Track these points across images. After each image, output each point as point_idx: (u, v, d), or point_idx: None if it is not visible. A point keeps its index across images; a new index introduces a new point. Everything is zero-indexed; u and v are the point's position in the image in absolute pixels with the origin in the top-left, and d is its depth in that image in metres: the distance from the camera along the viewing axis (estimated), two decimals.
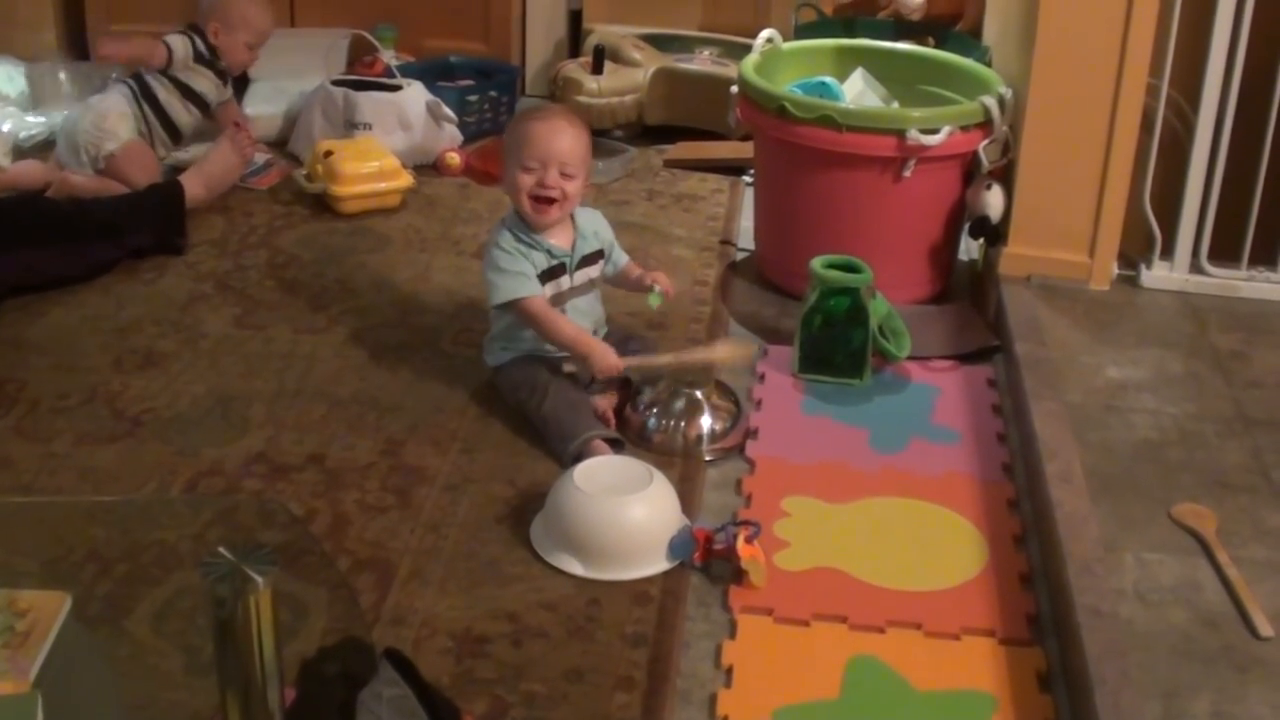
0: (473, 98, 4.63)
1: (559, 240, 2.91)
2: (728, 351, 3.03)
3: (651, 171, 4.41)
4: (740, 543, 2.38)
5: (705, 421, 2.84)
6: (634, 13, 5.04)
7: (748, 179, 4.21)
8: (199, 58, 4.06)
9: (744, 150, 4.16)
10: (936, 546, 2.53)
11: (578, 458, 2.68)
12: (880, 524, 2.61)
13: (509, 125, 3.00)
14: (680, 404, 2.85)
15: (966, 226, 3.46)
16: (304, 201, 4.01)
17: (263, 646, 1.73)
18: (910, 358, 3.12)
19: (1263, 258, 3.38)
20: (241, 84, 4.44)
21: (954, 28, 4.32)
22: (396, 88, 4.38)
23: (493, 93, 4.69)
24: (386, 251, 3.74)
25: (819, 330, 3.09)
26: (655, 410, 2.85)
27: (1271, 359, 3.10)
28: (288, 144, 4.46)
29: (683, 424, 2.83)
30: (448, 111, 4.36)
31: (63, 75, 4.67)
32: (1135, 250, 3.43)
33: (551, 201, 2.84)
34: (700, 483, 2.73)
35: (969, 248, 3.63)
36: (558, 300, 2.91)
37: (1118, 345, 3.13)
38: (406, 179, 4.05)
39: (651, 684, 2.17)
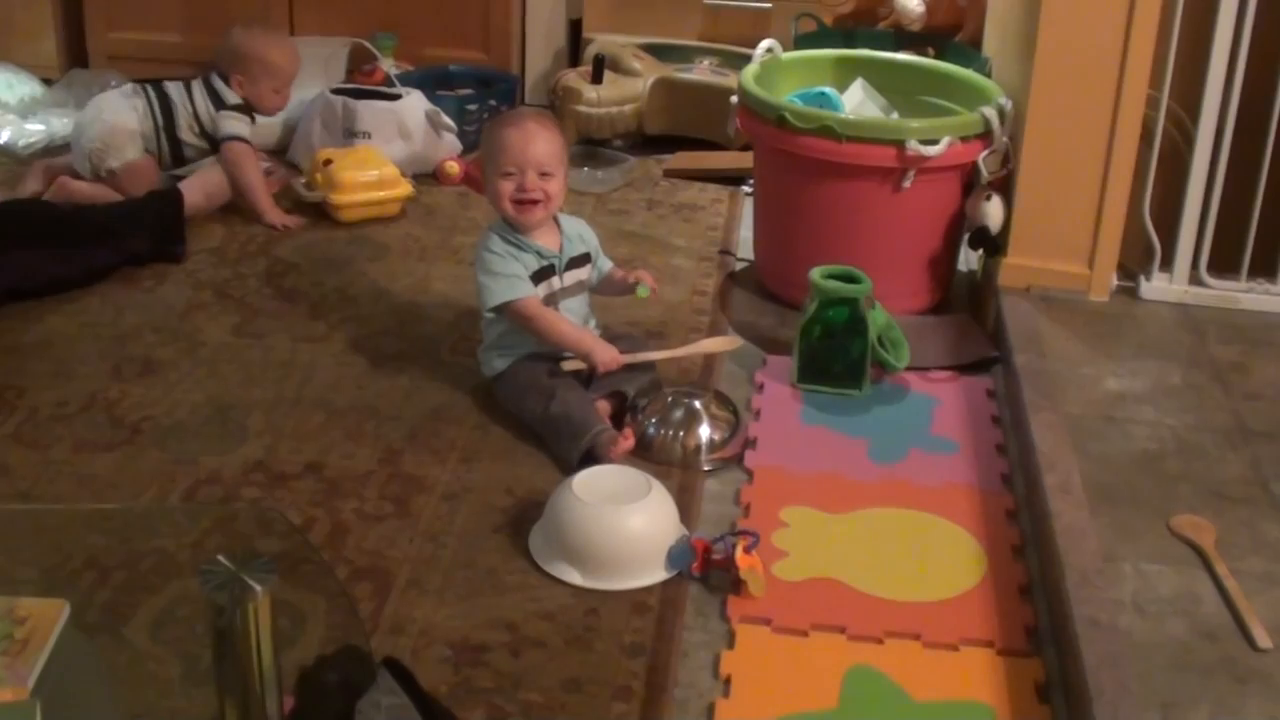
0: (472, 107, 4.63)
1: (547, 242, 2.94)
2: (714, 344, 3.08)
3: (651, 181, 4.41)
4: (739, 553, 2.38)
5: (704, 431, 2.83)
6: (634, 22, 5.04)
7: (747, 189, 4.21)
8: (226, 105, 3.99)
9: (743, 160, 4.16)
10: (935, 557, 2.53)
11: (588, 453, 2.70)
12: (879, 534, 2.60)
13: (484, 134, 3.04)
14: (679, 414, 2.85)
15: (966, 237, 3.46)
16: (303, 210, 4.01)
17: (261, 655, 1.74)
18: (909, 368, 3.12)
19: (1262, 269, 3.38)
20: None
21: (954, 38, 4.33)
22: (396, 96, 4.38)
23: (492, 102, 4.70)
24: (385, 260, 3.74)
25: (818, 340, 3.10)
26: (654, 420, 2.85)
27: (1271, 371, 3.10)
28: (287, 152, 4.46)
29: (681, 434, 2.83)
30: (447, 120, 4.37)
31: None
32: (1135, 262, 3.43)
33: (535, 203, 2.87)
34: (699, 493, 2.73)
35: (968, 258, 3.63)
36: (550, 301, 2.93)
37: (1117, 356, 3.13)
38: (406, 188, 4.05)
39: (649, 694, 2.16)
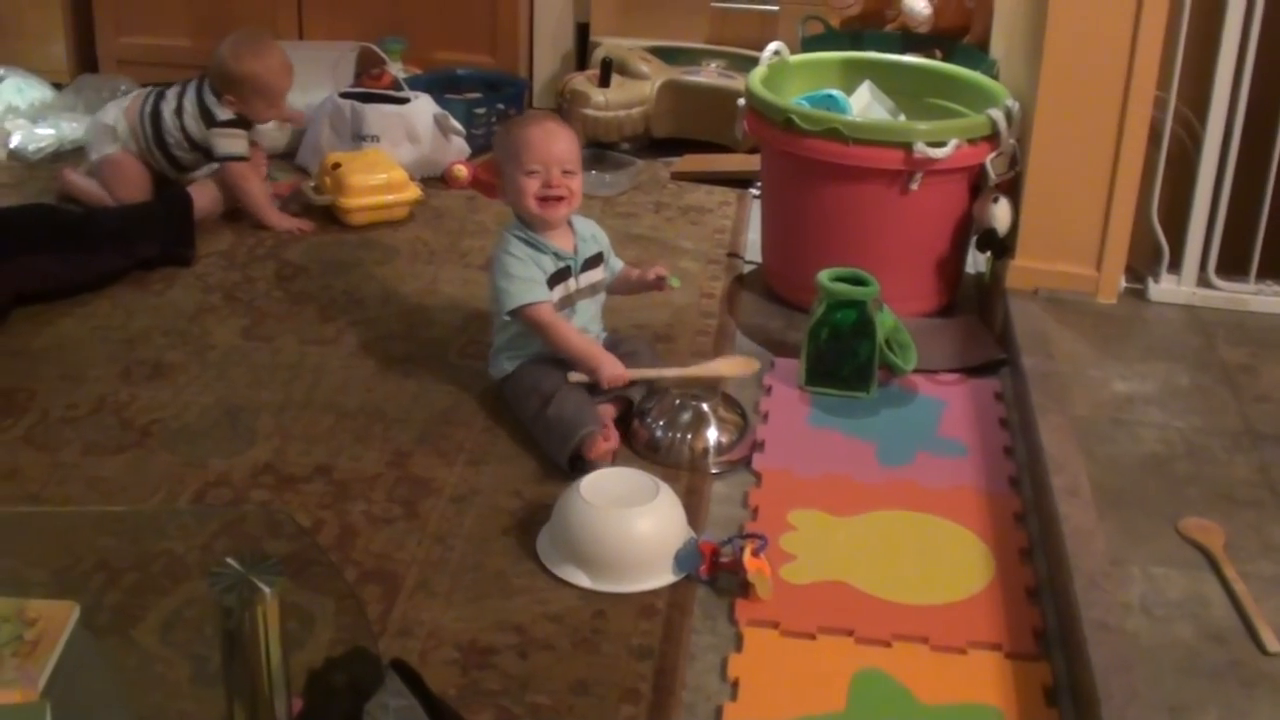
0: (480, 110, 4.64)
1: (562, 244, 2.94)
2: (730, 367, 3.04)
3: (658, 184, 4.42)
4: (747, 556, 2.38)
5: (712, 434, 2.84)
6: (641, 25, 5.04)
7: (755, 191, 4.22)
8: (217, 122, 3.94)
9: (751, 163, 4.16)
10: (943, 560, 2.53)
11: (576, 457, 2.70)
12: (887, 537, 2.60)
13: (498, 136, 3.04)
14: (687, 416, 2.85)
15: (973, 239, 3.46)
16: (312, 213, 4.02)
17: (270, 656, 1.74)
18: (917, 371, 3.12)
19: (1271, 271, 3.38)
20: None
21: (961, 40, 4.32)
22: (404, 100, 4.39)
23: (500, 105, 4.70)
24: (394, 263, 3.74)
25: (826, 343, 3.10)
26: (662, 423, 2.85)
27: (1279, 373, 3.10)
28: (295, 156, 4.47)
29: (689, 436, 2.83)
30: (455, 124, 4.37)
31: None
32: (1143, 264, 3.43)
33: (560, 199, 2.88)
34: (706, 495, 2.73)
35: (976, 261, 3.64)
36: (566, 302, 2.94)
37: (1125, 359, 3.13)
38: (414, 191, 4.06)
39: (657, 697, 2.17)
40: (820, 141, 3.30)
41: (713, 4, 5.03)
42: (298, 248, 3.82)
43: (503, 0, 5.00)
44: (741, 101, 3.60)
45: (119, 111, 4.00)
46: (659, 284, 3.05)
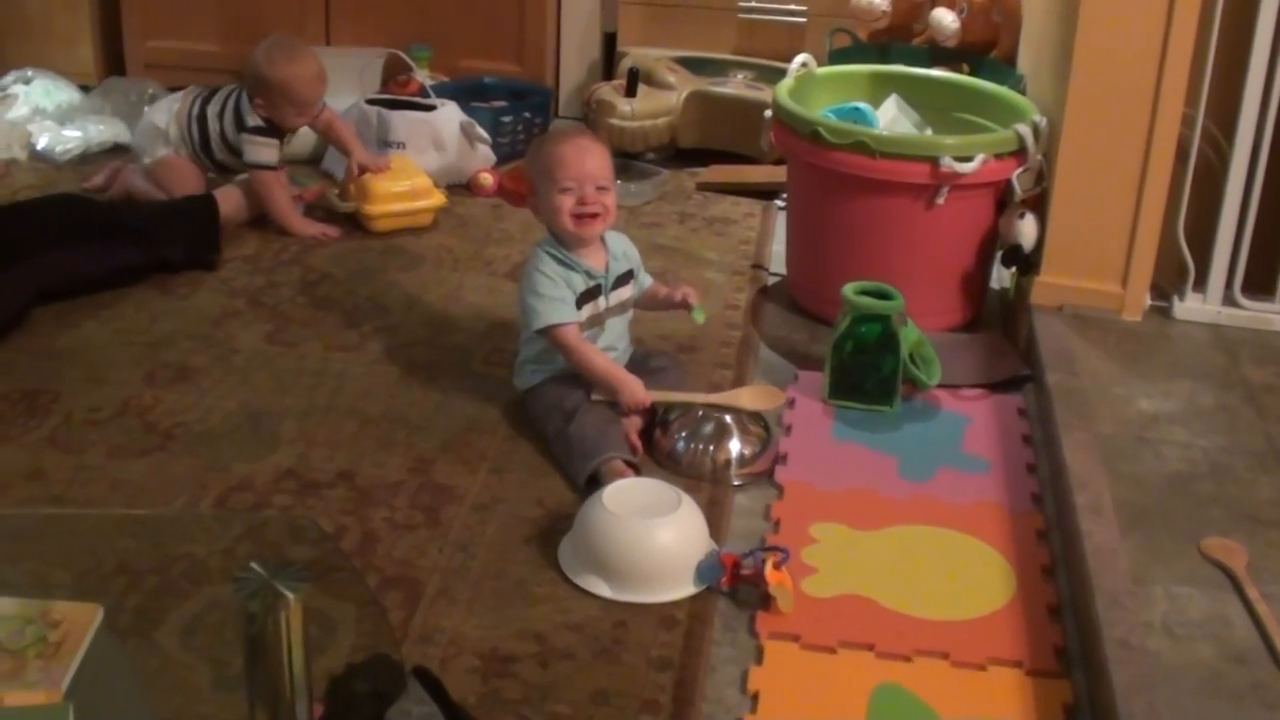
0: (506, 119, 4.65)
1: (594, 262, 2.93)
2: (753, 398, 3.00)
3: (684, 194, 4.42)
4: (768, 568, 2.38)
5: (734, 446, 2.84)
6: (668, 36, 5.05)
7: (780, 203, 4.22)
8: (247, 128, 3.95)
9: (777, 174, 4.16)
10: (964, 576, 2.53)
11: (594, 478, 2.70)
12: (908, 552, 2.60)
13: (531, 153, 3.02)
14: (709, 428, 2.86)
15: (999, 255, 3.46)
16: (336, 220, 4.03)
17: (292, 662, 1.74)
18: (941, 386, 3.12)
19: None
20: None
21: (988, 55, 4.32)
22: (431, 108, 4.40)
23: (526, 114, 4.71)
24: (418, 270, 3.75)
25: (850, 356, 3.09)
26: (684, 434, 2.85)
27: None
28: (321, 162, 4.48)
29: (712, 448, 2.83)
30: (481, 132, 4.38)
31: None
32: (1168, 281, 3.42)
33: (595, 216, 2.87)
34: (728, 507, 2.73)
35: (1001, 276, 3.63)
36: (595, 321, 2.93)
37: (1149, 377, 3.12)
38: (439, 198, 4.06)
39: (677, 708, 2.17)
40: (847, 154, 3.30)
41: (740, 15, 5.03)
42: (323, 253, 3.83)
43: (530, 9, 5.01)
44: (768, 113, 3.60)
45: (169, 114, 4.02)
46: (685, 304, 3.04)
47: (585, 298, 2.91)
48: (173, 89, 4.13)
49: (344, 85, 4.57)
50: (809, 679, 2.25)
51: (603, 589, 2.42)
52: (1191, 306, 3.39)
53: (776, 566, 2.39)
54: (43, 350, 3.20)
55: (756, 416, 2.93)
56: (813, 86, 3.73)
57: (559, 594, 2.42)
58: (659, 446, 2.87)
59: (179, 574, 2.35)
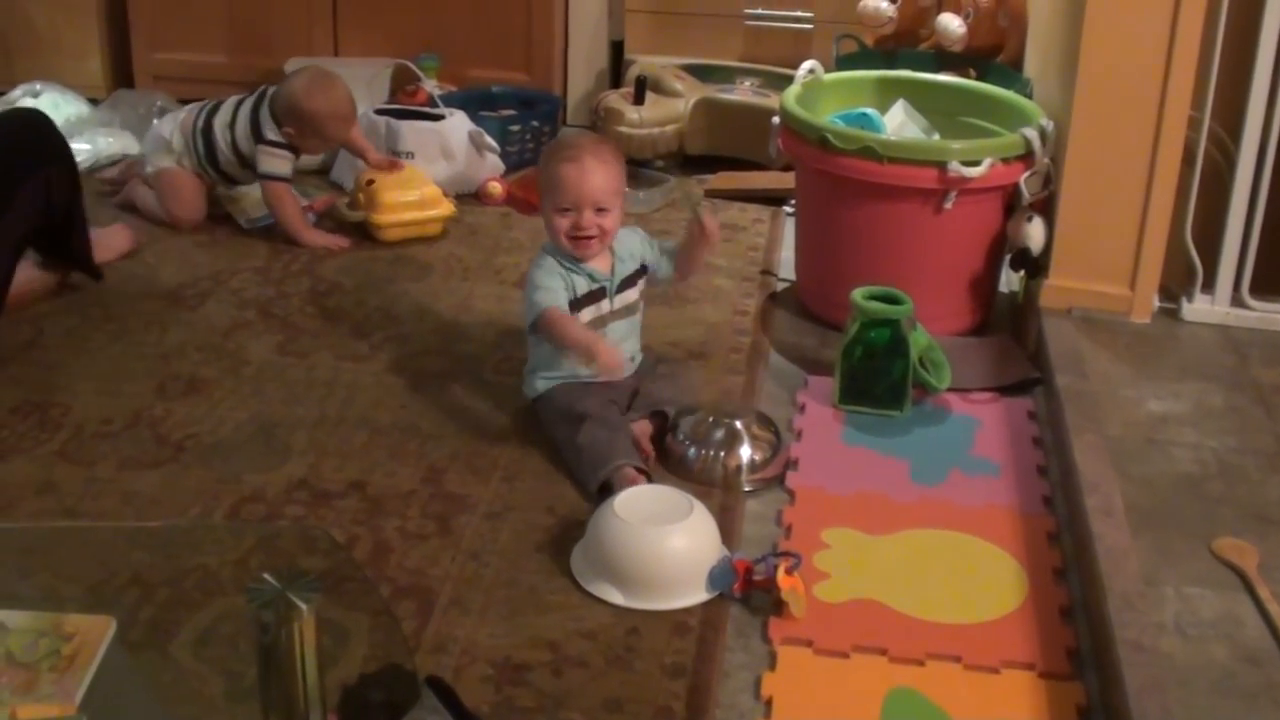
0: (515, 127, 4.65)
1: (599, 265, 2.93)
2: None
3: (693, 201, 4.42)
4: (780, 574, 2.38)
5: (745, 452, 2.84)
6: (675, 43, 5.06)
7: (789, 209, 4.22)
8: (265, 139, 3.95)
9: (785, 181, 4.16)
10: (976, 579, 2.53)
11: (605, 485, 2.70)
12: (920, 556, 2.60)
13: (541, 162, 2.99)
14: (720, 434, 2.86)
15: (1007, 258, 3.46)
16: (346, 230, 4.04)
17: (306, 672, 1.75)
18: (950, 389, 3.12)
19: None
20: None
21: (995, 60, 4.32)
22: (439, 117, 4.41)
23: (535, 123, 4.72)
24: (428, 280, 3.75)
25: (859, 361, 3.10)
26: (695, 440, 2.86)
27: None
28: (330, 172, 4.49)
29: (722, 454, 2.83)
30: (490, 141, 4.39)
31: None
32: (1176, 283, 3.42)
33: (590, 238, 2.88)
34: (740, 513, 2.73)
35: (1009, 280, 3.63)
36: (599, 324, 2.93)
37: (1159, 378, 3.12)
38: (448, 207, 4.07)
39: (690, 715, 2.16)
40: (855, 160, 3.31)
41: (747, 22, 5.04)
42: (332, 264, 3.84)
43: (538, 18, 5.02)
44: (776, 119, 3.61)
45: (175, 125, 4.03)
46: (700, 229, 2.98)
47: (588, 300, 2.91)
48: (181, 101, 4.14)
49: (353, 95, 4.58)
50: (822, 684, 2.25)
51: (615, 596, 2.42)
52: (1200, 308, 3.39)
53: (789, 572, 2.39)
54: (54, 363, 3.20)
55: (767, 422, 2.93)
56: (820, 93, 3.74)
57: (571, 602, 2.43)
58: (670, 453, 2.87)
59: (192, 585, 2.36)
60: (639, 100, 4.63)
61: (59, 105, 4.70)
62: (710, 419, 2.88)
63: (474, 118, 4.49)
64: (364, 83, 4.72)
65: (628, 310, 3.01)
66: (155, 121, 4.27)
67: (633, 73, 4.77)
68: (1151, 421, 2.94)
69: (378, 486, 2.76)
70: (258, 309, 3.54)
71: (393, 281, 3.73)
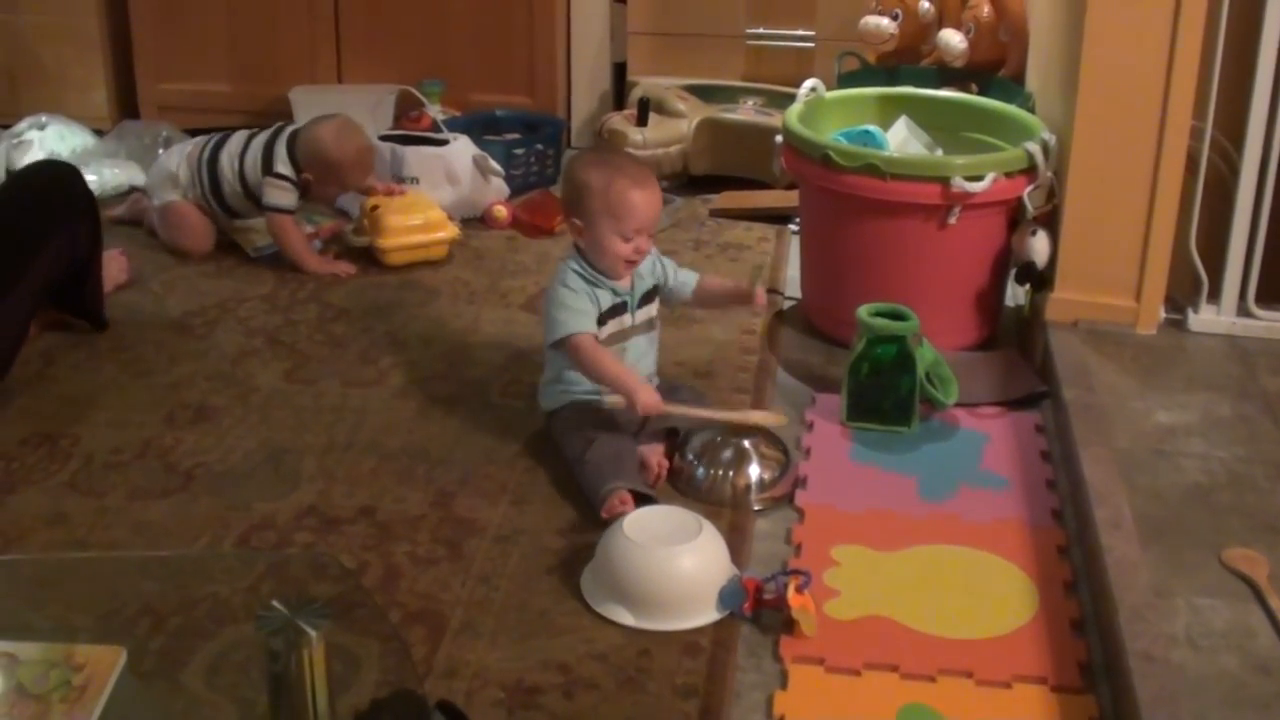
0: (519, 151, 4.67)
1: (620, 280, 2.94)
2: (761, 417, 3.00)
3: (697, 221, 4.43)
4: (790, 592, 2.38)
5: (754, 471, 2.84)
6: (677, 64, 5.07)
7: (793, 228, 4.23)
8: (275, 173, 3.96)
9: (789, 199, 4.17)
10: (987, 594, 2.53)
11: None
12: (930, 572, 2.60)
13: (599, 183, 2.86)
14: (728, 453, 2.86)
15: (1012, 273, 3.46)
16: (352, 256, 4.05)
17: (316, 699, 1.75)
18: (958, 404, 3.12)
19: None
20: None
21: (997, 74, 4.33)
22: (443, 142, 4.42)
23: (539, 146, 4.73)
24: (435, 304, 3.76)
25: (867, 378, 3.10)
26: (703, 460, 2.86)
27: None
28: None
29: (731, 473, 2.83)
30: (494, 165, 4.39)
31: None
32: (1182, 294, 3.42)
33: (637, 262, 2.92)
34: (749, 532, 2.73)
35: (1015, 294, 3.63)
36: (620, 338, 2.94)
37: (1166, 389, 3.12)
38: (452, 231, 4.08)
39: None
40: (858, 177, 3.31)
41: (749, 42, 5.05)
42: (339, 290, 3.85)
43: (540, 41, 5.03)
44: (779, 138, 3.61)
45: (181, 157, 4.05)
46: (748, 299, 3.04)
47: (611, 314, 2.92)
48: (187, 130, 4.15)
49: (357, 122, 4.59)
50: (834, 702, 2.25)
51: (626, 618, 2.42)
52: (1206, 318, 3.39)
53: (799, 590, 2.39)
54: (63, 394, 3.21)
55: (775, 440, 2.93)
56: (822, 111, 3.74)
57: (582, 624, 2.43)
58: (679, 473, 2.87)
59: (202, 614, 2.36)
60: (642, 122, 4.64)
61: (64, 137, 4.72)
62: (719, 438, 2.88)
63: (478, 142, 4.50)
64: (368, 109, 4.75)
65: (648, 325, 3.01)
66: (161, 154, 4.28)
67: (636, 94, 4.79)
68: (1159, 433, 2.94)
69: (387, 512, 2.76)
70: (265, 337, 3.54)
71: (399, 307, 3.74)
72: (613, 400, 2.87)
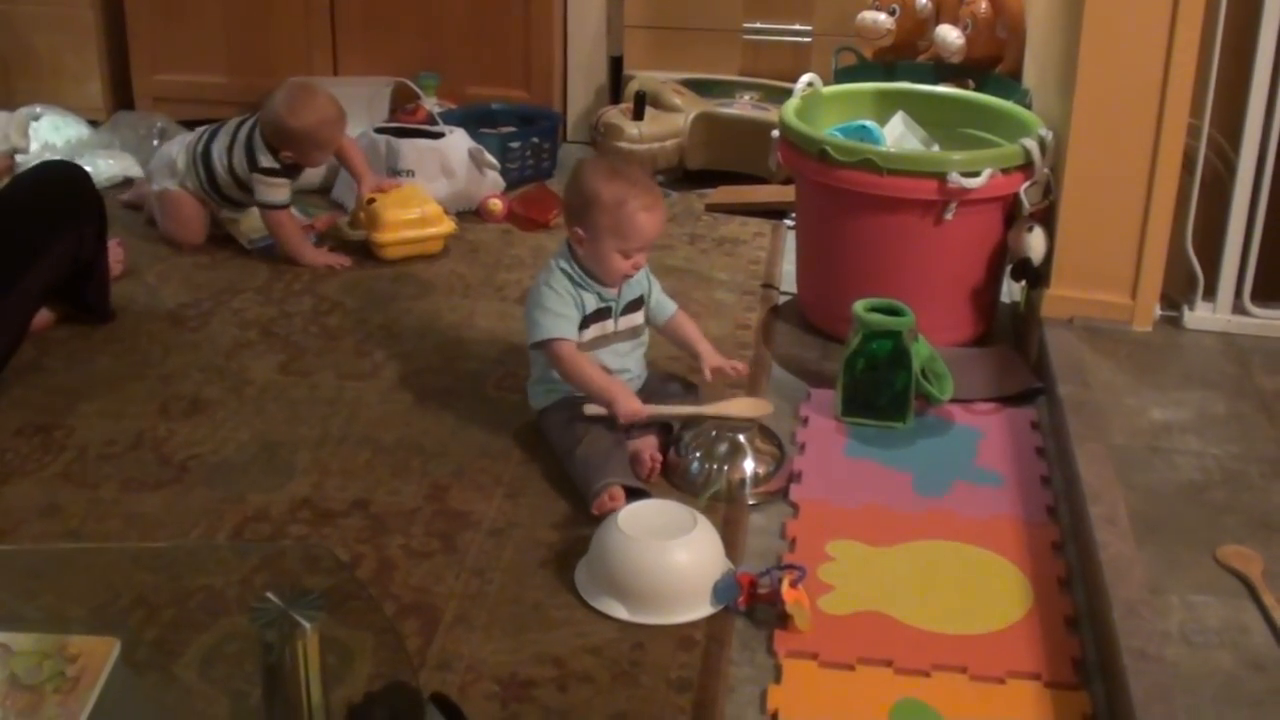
0: (515, 144, 4.66)
1: (611, 287, 2.93)
2: (742, 408, 3.01)
3: (693, 216, 4.43)
4: (785, 587, 2.38)
5: (748, 465, 2.84)
6: (674, 58, 5.06)
7: (789, 223, 4.22)
8: (260, 168, 3.94)
9: (785, 194, 4.17)
10: (981, 590, 2.53)
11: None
12: (924, 567, 2.60)
13: (610, 199, 2.84)
14: (723, 448, 2.86)
15: (1008, 269, 3.46)
16: (348, 249, 4.04)
17: (310, 691, 1.75)
18: (953, 400, 3.12)
19: None
20: None
21: (994, 70, 4.33)
22: (439, 135, 4.41)
23: (535, 139, 4.72)
24: (430, 297, 3.76)
25: (862, 373, 3.10)
26: (698, 454, 2.86)
27: None
28: (332, 191, 4.49)
29: (726, 468, 2.83)
30: (490, 158, 4.39)
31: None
32: (1178, 291, 3.42)
33: (630, 275, 2.93)
34: (744, 527, 2.73)
35: (1011, 290, 3.63)
36: (603, 342, 2.94)
37: (1161, 387, 3.12)
38: (448, 225, 4.07)
39: None
40: (854, 172, 3.31)
41: (745, 36, 5.04)
42: (334, 283, 3.84)
43: (536, 35, 5.02)
44: (775, 133, 3.61)
45: (182, 146, 4.05)
46: (708, 364, 3.05)
47: (594, 318, 2.92)
48: (181, 122, 4.14)
49: (352, 114, 4.57)
50: (828, 697, 2.25)
51: (620, 611, 2.42)
52: (1201, 315, 3.39)
53: (793, 585, 2.39)
54: (57, 386, 3.21)
55: (770, 435, 2.93)
56: (819, 106, 3.74)
57: (576, 617, 2.43)
58: (674, 467, 2.87)
59: (196, 606, 2.35)
60: (638, 116, 4.63)
61: (59, 128, 4.70)
62: (713, 432, 2.88)
63: (474, 135, 4.49)
64: (364, 102, 4.73)
65: (633, 333, 3.01)
66: (163, 142, 4.27)
67: (632, 88, 4.77)
68: (1154, 430, 2.94)
69: (381, 504, 2.76)
70: (260, 329, 3.54)
71: (394, 299, 3.74)
72: (593, 409, 2.87)
